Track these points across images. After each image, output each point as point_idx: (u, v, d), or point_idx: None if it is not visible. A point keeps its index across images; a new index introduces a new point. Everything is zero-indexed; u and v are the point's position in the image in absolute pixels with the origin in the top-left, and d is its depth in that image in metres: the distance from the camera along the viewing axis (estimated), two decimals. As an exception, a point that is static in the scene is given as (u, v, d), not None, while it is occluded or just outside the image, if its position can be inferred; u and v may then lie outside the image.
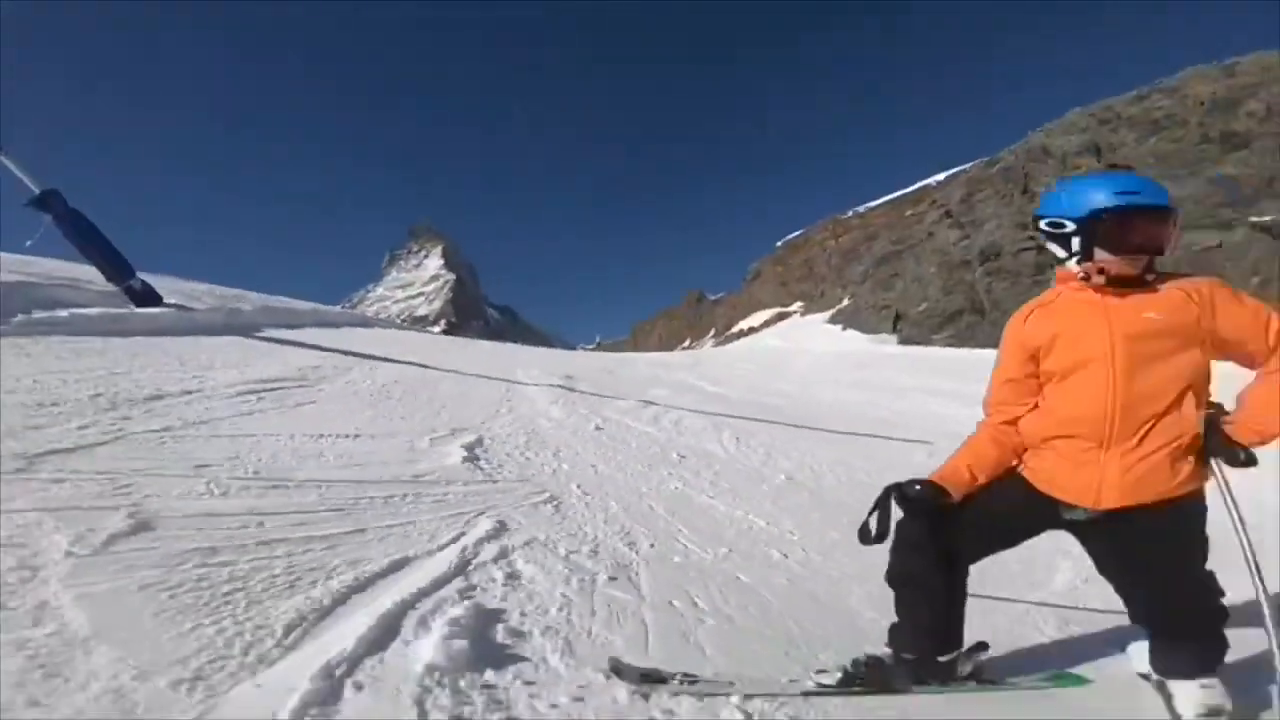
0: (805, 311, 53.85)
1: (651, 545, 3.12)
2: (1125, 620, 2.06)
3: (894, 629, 2.06)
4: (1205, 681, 1.82)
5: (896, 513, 1.96)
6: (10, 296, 6.41)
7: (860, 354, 24.00)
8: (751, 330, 60.13)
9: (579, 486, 3.90)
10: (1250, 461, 1.73)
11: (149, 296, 8.58)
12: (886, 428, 7.65)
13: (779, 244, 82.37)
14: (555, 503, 3.51)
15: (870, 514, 1.95)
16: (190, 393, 4.51)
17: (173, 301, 8.91)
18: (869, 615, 2.52)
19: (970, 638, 2.07)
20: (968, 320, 29.39)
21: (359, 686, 1.63)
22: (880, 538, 1.94)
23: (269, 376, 5.55)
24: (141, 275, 8.78)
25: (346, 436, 4.08)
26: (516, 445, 4.68)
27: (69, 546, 2.06)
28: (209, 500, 2.69)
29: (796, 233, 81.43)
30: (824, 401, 10.22)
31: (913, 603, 2.01)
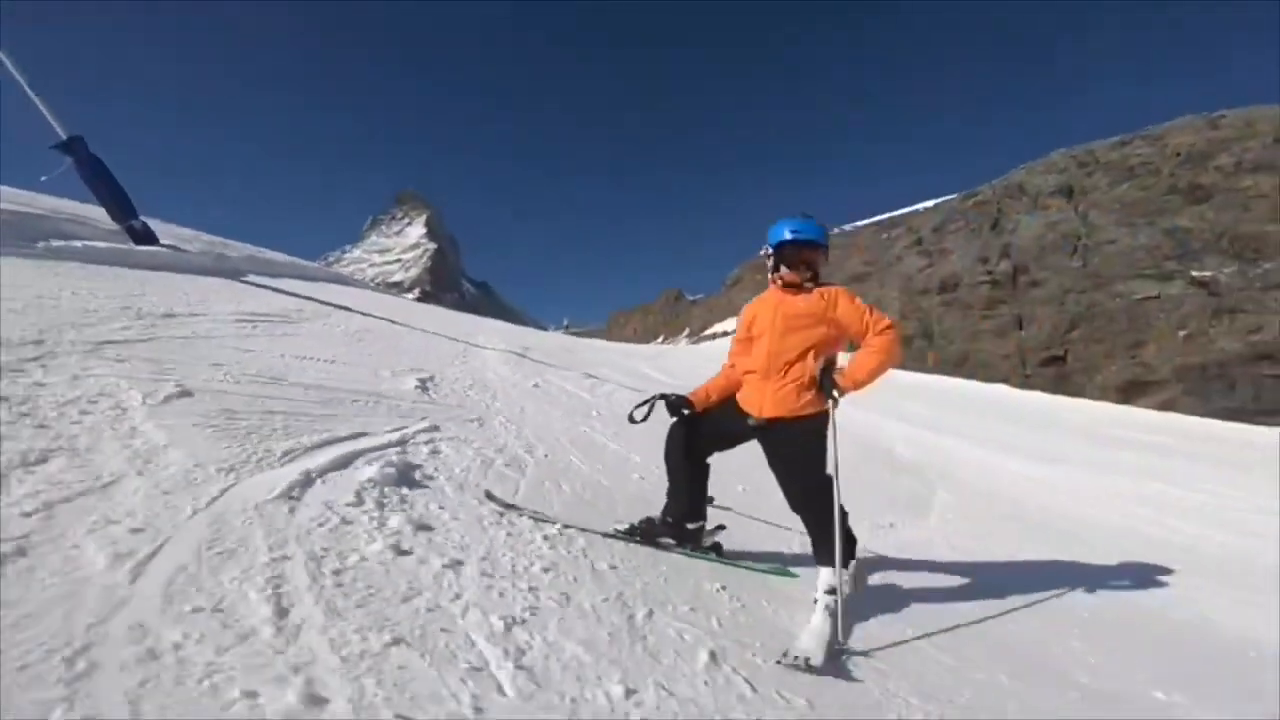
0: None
1: (545, 455, 4.23)
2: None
3: (666, 500, 3.22)
4: (832, 570, 2.66)
5: (665, 416, 3.12)
6: (31, 226, 7.31)
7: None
8: (725, 334, 61.81)
9: (504, 417, 4.97)
10: (840, 394, 2.84)
11: (147, 236, 9.45)
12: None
13: (762, 251, 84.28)
14: (481, 422, 4.60)
15: (638, 407, 3.12)
16: (196, 315, 5.48)
17: (168, 243, 9.77)
18: None
19: (749, 544, 3.22)
20: (917, 345, 30.94)
21: (324, 483, 2.72)
22: (638, 421, 3.08)
23: (259, 311, 6.53)
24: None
25: (325, 361, 5.10)
26: (462, 385, 5.75)
27: (142, 400, 3.11)
28: (227, 384, 3.71)
29: None
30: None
31: (672, 481, 3.13)
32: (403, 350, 6.82)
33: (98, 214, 9.33)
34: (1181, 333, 23.80)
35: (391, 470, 2.97)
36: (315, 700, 1.40)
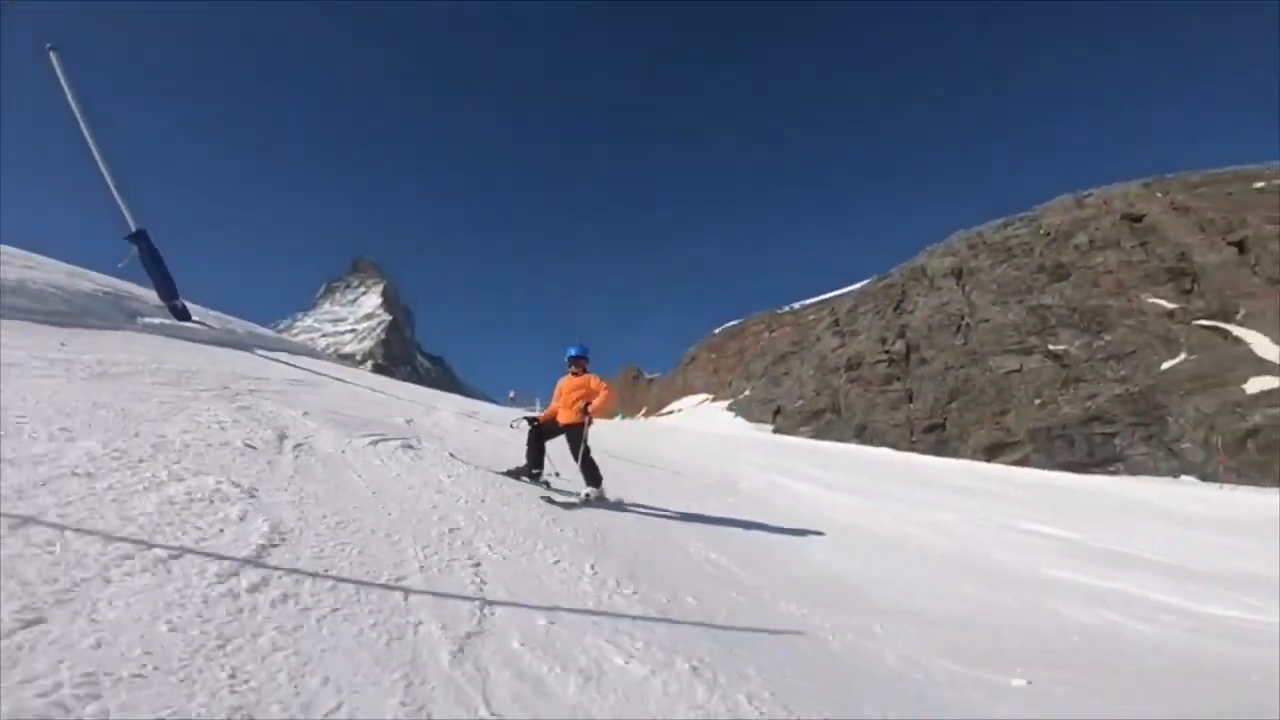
0: (715, 399, 59.56)
1: (471, 448, 7.52)
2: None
3: (525, 460, 6.53)
4: (586, 486, 6.16)
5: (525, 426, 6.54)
6: (126, 306, 10.38)
7: (728, 435, 28.45)
8: (678, 410, 64.79)
9: (456, 441, 8.23)
10: (590, 417, 6.33)
11: (184, 313, 12.46)
12: (678, 466, 12.32)
13: (716, 331, 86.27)
14: (441, 440, 7.84)
15: (514, 422, 6.57)
16: (264, 378, 8.57)
17: (196, 320, 12.78)
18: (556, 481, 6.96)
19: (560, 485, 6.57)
20: (827, 418, 35.04)
21: (381, 443, 5.94)
22: (514, 427, 6.56)
23: (295, 378, 9.63)
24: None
25: (349, 410, 8.28)
26: (430, 425, 8.96)
27: (300, 414, 6.29)
28: (315, 416, 6.86)
29: (733, 321, 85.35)
30: (662, 455, 14.75)
31: (529, 450, 6.48)
32: (389, 406, 10.00)
33: (148, 293, 12.28)
34: (1036, 401, 28.41)
35: (396, 442, 6.22)
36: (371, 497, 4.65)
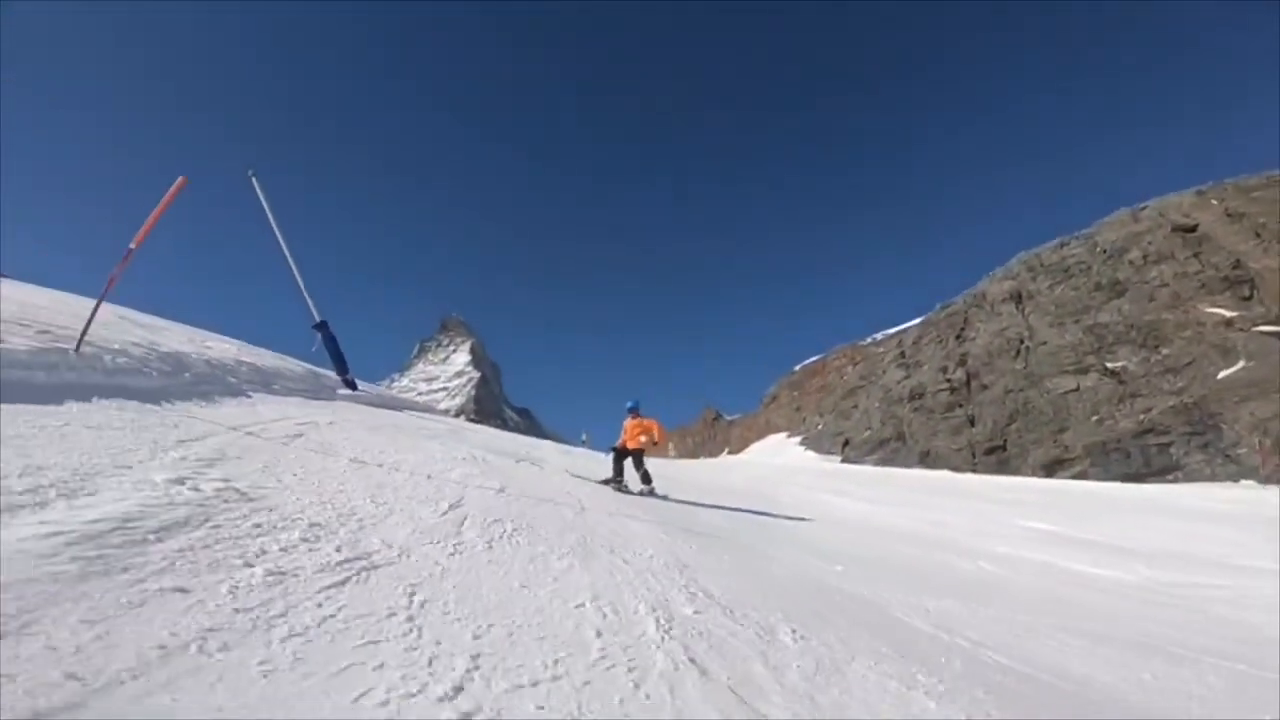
0: (790, 435, 61.31)
1: (581, 474, 11.05)
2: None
3: (611, 472, 9.98)
4: (643, 485, 9.41)
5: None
6: (326, 382, 14.71)
7: (794, 467, 30.85)
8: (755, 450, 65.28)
9: (564, 464, 11.80)
10: (646, 445, 9.79)
11: (354, 385, 16.82)
12: (739, 494, 15.47)
13: (797, 368, 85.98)
14: (553, 463, 11.44)
15: (609, 449, 10.06)
16: (426, 427, 12.51)
17: (360, 389, 17.10)
18: (581, 495, 10.37)
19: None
20: (893, 446, 36.86)
21: (516, 463, 9.61)
22: (608, 455, 10.02)
23: (449, 428, 13.58)
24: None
25: (493, 445, 12.01)
26: (541, 456, 12.60)
27: (473, 449, 10.06)
28: (480, 448, 10.59)
29: (814, 357, 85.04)
30: (719, 482, 17.93)
31: (613, 466, 9.87)
32: (514, 443, 13.76)
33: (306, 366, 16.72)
34: (1094, 417, 29.60)
35: (532, 463, 9.87)
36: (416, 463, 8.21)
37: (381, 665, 1.88)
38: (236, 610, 2.00)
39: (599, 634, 2.52)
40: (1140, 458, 26.92)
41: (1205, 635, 4.69)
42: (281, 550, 2.59)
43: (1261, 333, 29.01)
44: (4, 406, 3.73)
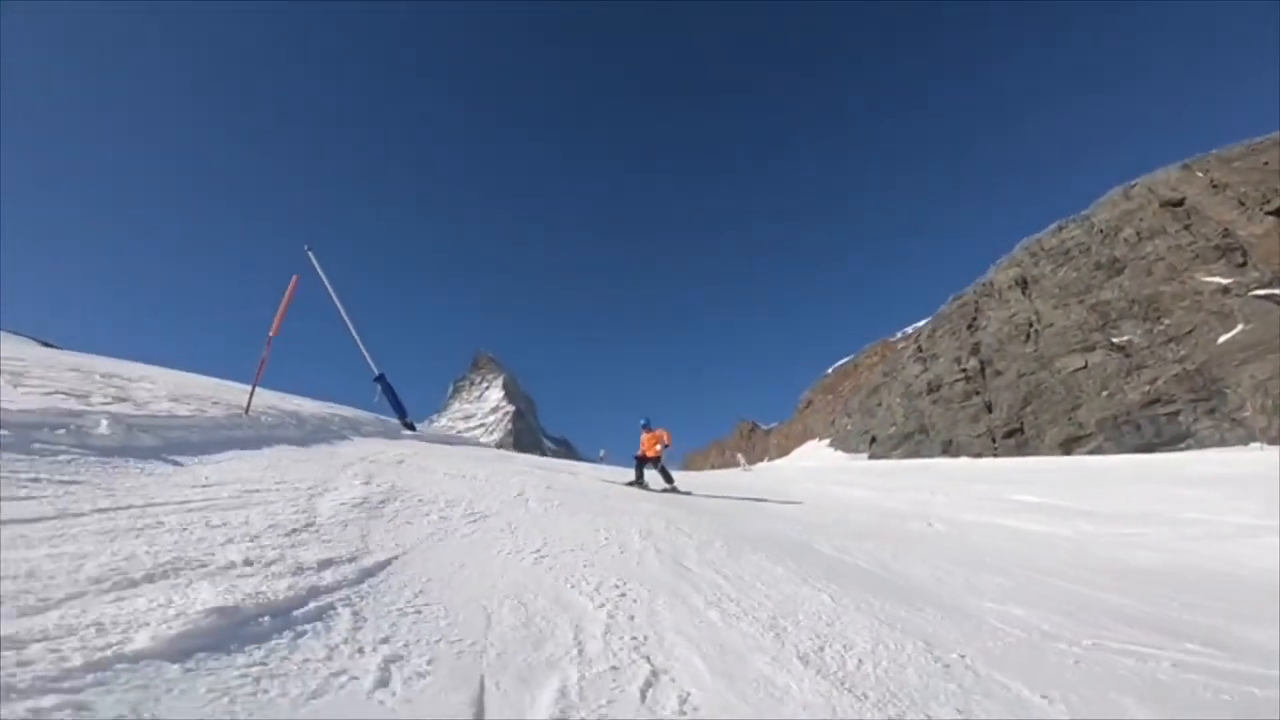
0: (821, 438, 62.42)
1: (610, 479, 13.22)
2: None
3: (634, 475, 12.13)
4: (665, 482, 11.62)
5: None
6: (391, 428, 17.16)
7: (820, 467, 32.47)
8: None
9: (596, 474, 13.98)
10: (662, 452, 11.93)
11: (412, 426, 19.28)
12: (753, 489, 17.45)
13: (830, 370, 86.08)
14: (577, 473, 13.62)
15: (636, 456, 12.25)
16: (480, 456, 14.81)
17: (418, 430, 19.55)
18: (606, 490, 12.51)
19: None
20: (917, 439, 38.26)
21: (559, 473, 11.85)
22: (635, 459, 12.21)
23: (499, 455, 15.88)
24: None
25: (539, 467, 14.25)
26: (578, 469, 14.80)
27: (525, 468, 12.34)
28: (532, 465, 12.84)
29: (845, 359, 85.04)
30: (737, 483, 19.92)
31: (635, 471, 12.04)
32: (555, 466, 16.00)
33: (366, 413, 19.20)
34: (1104, 393, 30.84)
35: (572, 474, 12.10)
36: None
37: (502, 546, 4.09)
38: (432, 533, 4.23)
39: (606, 539, 4.72)
40: (1151, 428, 28.08)
41: (1061, 564, 6.41)
42: (439, 511, 4.84)
43: (1256, 296, 30.01)
44: (239, 451, 6.09)
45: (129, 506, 3.27)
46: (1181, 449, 26.53)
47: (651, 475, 12.01)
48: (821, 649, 2.67)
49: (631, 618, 2.87)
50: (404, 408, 19.62)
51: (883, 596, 3.88)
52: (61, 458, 4.19)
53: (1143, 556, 7.19)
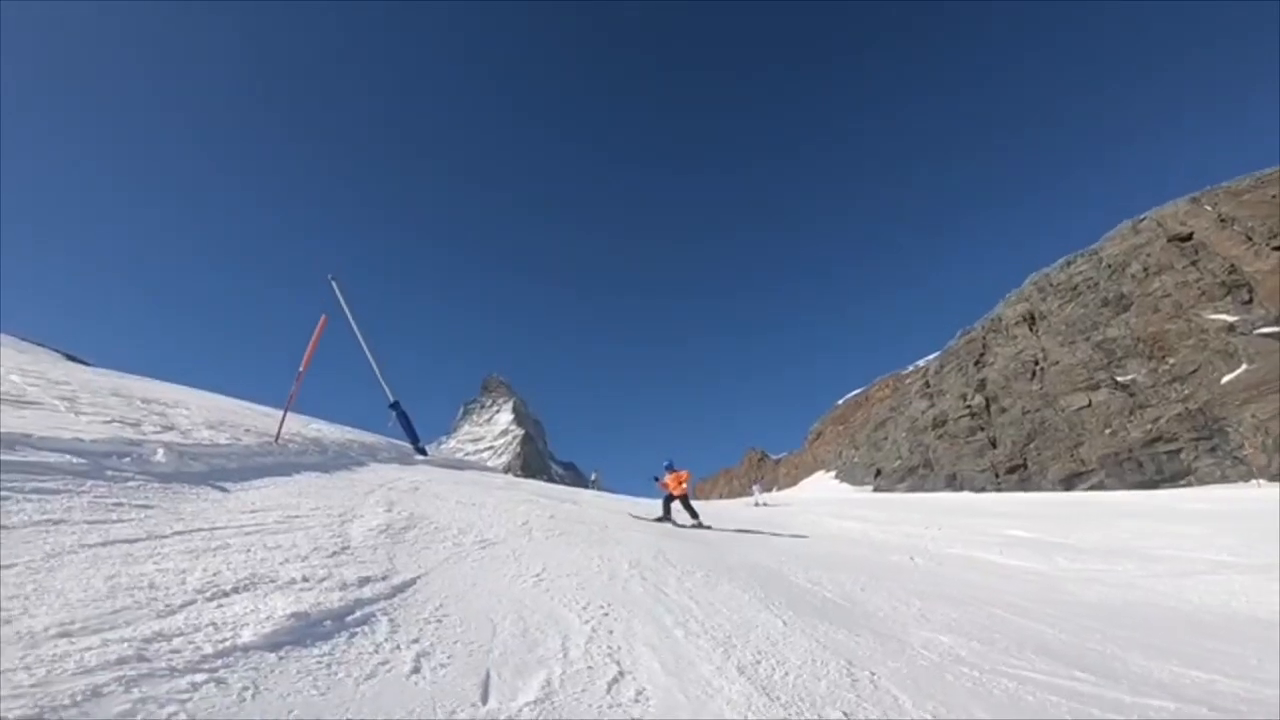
0: (828, 469, 62.63)
1: (618, 509, 13.78)
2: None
3: (661, 512, 12.70)
4: (691, 519, 12.14)
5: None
6: (403, 451, 17.87)
7: (823, 498, 32.83)
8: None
9: (599, 502, 14.55)
10: (686, 489, 12.56)
11: (424, 451, 19.97)
12: (751, 521, 17.98)
13: (840, 401, 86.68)
14: (587, 504, 14.20)
15: (665, 498, 12.82)
16: (486, 480, 15.45)
17: (429, 455, 20.24)
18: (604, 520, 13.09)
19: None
20: (921, 473, 38.53)
21: (560, 502, 12.46)
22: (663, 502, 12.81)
23: (508, 482, 16.52)
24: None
25: (542, 494, 14.85)
26: (579, 498, 15.39)
27: (530, 494, 12.97)
28: (535, 492, 13.47)
29: (856, 390, 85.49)
30: (739, 515, 20.42)
31: (663, 508, 12.62)
32: (556, 492, 16.61)
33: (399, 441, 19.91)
34: (1106, 430, 31.07)
35: (573, 503, 12.73)
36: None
37: (507, 570, 4.74)
38: (448, 557, 4.89)
39: (598, 567, 5.37)
40: (1152, 465, 28.31)
41: (1019, 598, 6.96)
42: (453, 539, 5.51)
43: (1261, 335, 30.32)
44: (272, 478, 6.80)
45: (199, 530, 3.97)
46: (1182, 485, 26.75)
47: (677, 510, 12.75)
48: (758, 662, 3.29)
49: (610, 632, 3.51)
50: (416, 434, 20.34)
51: (831, 623, 4.49)
52: (130, 484, 4.91)
53: (1100, 591, 7.70)
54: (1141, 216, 44.10)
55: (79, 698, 1.80)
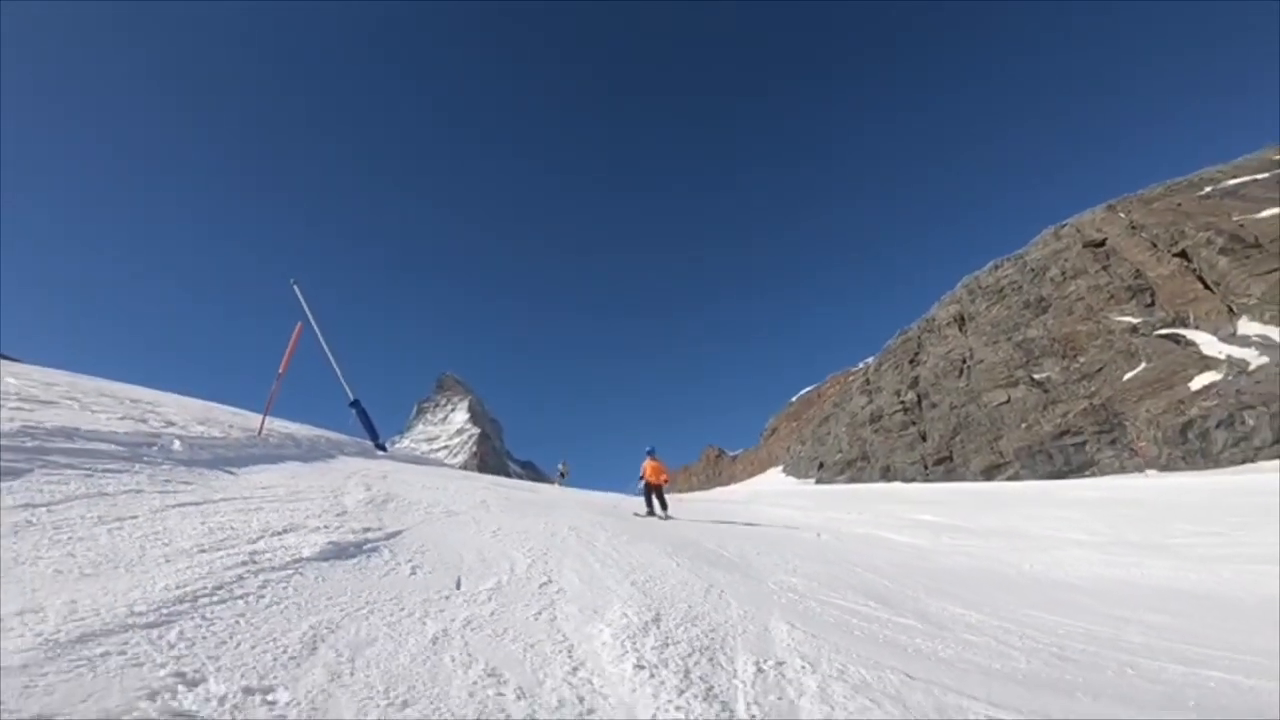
0: (779, 464, 65.06)
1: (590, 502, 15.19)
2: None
3: (645, 505, 14.08)
4: (662, 510, 13.46)
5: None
6: (366, 448, 18.92)
7: (769, 491, 34.73)
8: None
9: (570, 496, 15.93)
10: (666, 481, 14.07)
11: (384, 448, 21.00)
12: (700, 512, 19.54)
13: (794, 399, 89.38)
14: (555, 497, 15.57)
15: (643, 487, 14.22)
16: (448, 472, 16.65)
17: (389, 451, 21.28)
18: (554, 496, 14.52)
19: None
20: (859, 466, 40.97)
21: (525, 492, 13.81)
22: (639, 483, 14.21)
23: (464, 476, 17.73)
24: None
25: (501, 486, 16.12)
26: (547, 491, 16.73)
27: (490, 484, 14.26)
28: (495, 485, 14.74)
29: (809, 387, 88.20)
30: (693, 508, 22.00)
31: (645, 500, 13.92)
32: (517, 486, 17.91)
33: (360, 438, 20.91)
34: (1022, 424, 33.78)
35: (532, 493, 14.11)
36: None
37: (469, 530, 6.13)
38: (422, 520, 6.24)
39: (543, 528, 6.81)
40: (1061, 457, 31.07)
41: (885, 563, 8.51)
42: (424, 509, 6.87)
43: (1159, 336, 33.47)
44: (264, 465, 8.02)
45: (235, 498, 5.26)
46: (1086, 476, 29.48)
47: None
48: (648, 582, 4.79)
49: (546, 563, 4.96)
50: (377, 431, 21.30)
51: (716, 568, 6.04)
52: (164, 466, 6.12)
53: (957, 561, 9.45)
54: (1063, 223, 47.46)
55: (229, 580, 3.16)
